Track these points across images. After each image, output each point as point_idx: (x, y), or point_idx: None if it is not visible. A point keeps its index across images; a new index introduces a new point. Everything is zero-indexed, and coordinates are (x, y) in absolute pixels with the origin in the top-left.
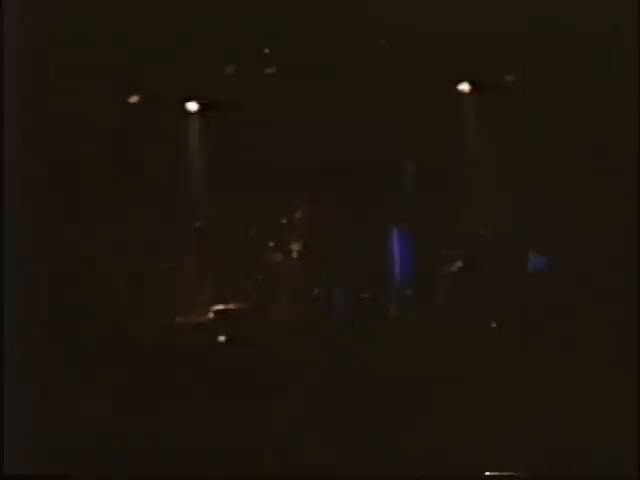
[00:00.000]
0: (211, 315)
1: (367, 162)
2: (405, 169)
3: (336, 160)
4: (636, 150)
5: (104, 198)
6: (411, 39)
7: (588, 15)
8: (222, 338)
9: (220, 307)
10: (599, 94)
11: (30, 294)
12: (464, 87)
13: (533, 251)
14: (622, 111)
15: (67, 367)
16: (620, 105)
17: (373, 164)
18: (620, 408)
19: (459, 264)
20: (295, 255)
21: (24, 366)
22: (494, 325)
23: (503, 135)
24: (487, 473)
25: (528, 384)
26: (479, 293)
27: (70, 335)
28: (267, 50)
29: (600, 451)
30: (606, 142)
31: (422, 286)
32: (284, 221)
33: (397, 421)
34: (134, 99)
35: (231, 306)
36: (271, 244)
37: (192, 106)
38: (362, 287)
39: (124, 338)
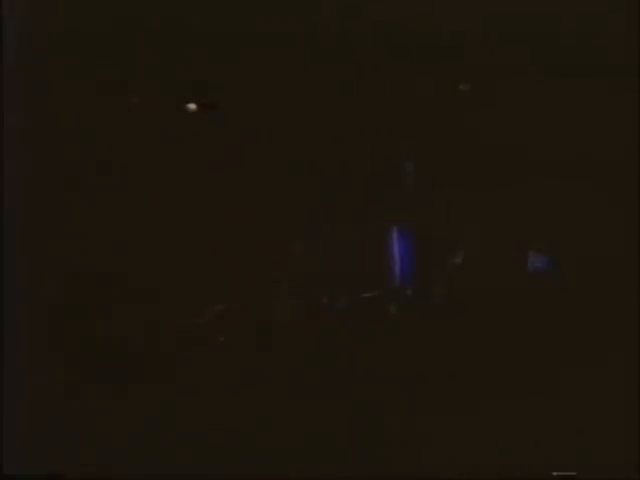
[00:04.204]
0: (211, 315)
1: (367, 162)
2: (405, 169)
3: (336, 159)
4: (636, 149)
5: (103, 198)
6: (410, 38)
7: (588, 15)
8: (222, 338)
9: (220, 307)
10: (599, 94)
11: (29, 294)
12: (463, 87)
13: (533, 251)
14: (623, 111)
15: (67, 367)
16: (621, 105)
17: (373, 164)
18: (620, 408)
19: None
20: (295, 255)
21: (24, 366)
22: (495, 326)
23: (503, 135)
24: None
25: (528, 384)
26: (479, 293)
27: (69, 335)
28: (267, 50)
29: (600, 452)
30: (606, 141)
31: (422, 286)
32: (284, 221)
33: (397, 421)
34: (134, 99)
35: (231, 306)
36: (271, 244)
37: (192, 106)
38: (362, 287)
39: (123, 338)
